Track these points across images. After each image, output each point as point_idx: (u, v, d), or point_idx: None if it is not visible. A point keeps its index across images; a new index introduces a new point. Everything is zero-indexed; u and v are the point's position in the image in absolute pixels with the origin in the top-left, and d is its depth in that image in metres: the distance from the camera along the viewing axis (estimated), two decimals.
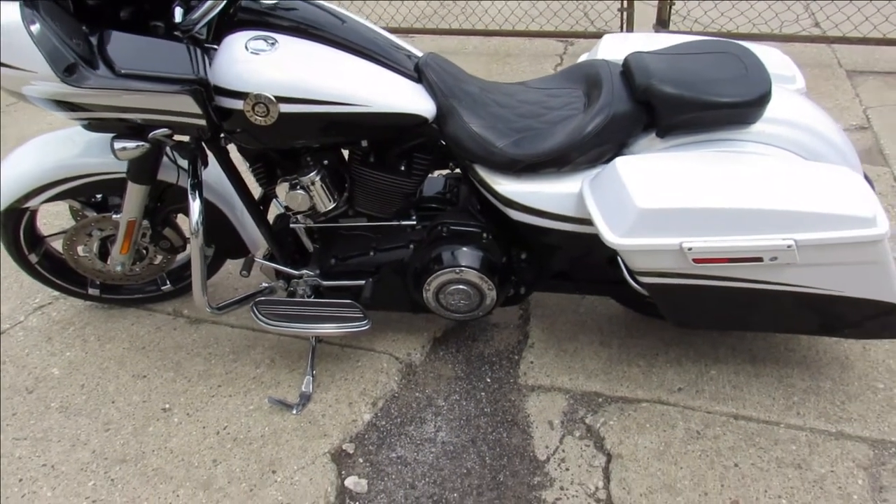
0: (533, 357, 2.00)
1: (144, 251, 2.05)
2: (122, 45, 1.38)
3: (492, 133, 1.64)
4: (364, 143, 1.71)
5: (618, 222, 1.48)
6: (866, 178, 1.76)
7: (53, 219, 2.63)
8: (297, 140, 1.63)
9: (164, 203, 1.95)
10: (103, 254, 2.02)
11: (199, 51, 1.45)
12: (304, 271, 1.89)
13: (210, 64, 1.50)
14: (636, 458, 1.68)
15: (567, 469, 1.67)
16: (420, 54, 1.73)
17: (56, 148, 1.82)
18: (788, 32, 3.74)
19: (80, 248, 2.01)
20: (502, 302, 1.93)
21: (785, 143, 1.62)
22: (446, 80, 1.67)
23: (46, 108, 1.47)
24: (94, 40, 1.38)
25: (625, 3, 4.03)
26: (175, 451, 1.76)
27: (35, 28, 1.29)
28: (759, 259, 1.46)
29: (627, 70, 1.62)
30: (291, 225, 1.87)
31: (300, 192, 1.70)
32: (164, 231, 2.00)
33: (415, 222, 1.84)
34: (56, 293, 2.27)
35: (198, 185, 1.64)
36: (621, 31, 4.11)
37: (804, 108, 1.66)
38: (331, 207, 1.75)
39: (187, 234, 2.09)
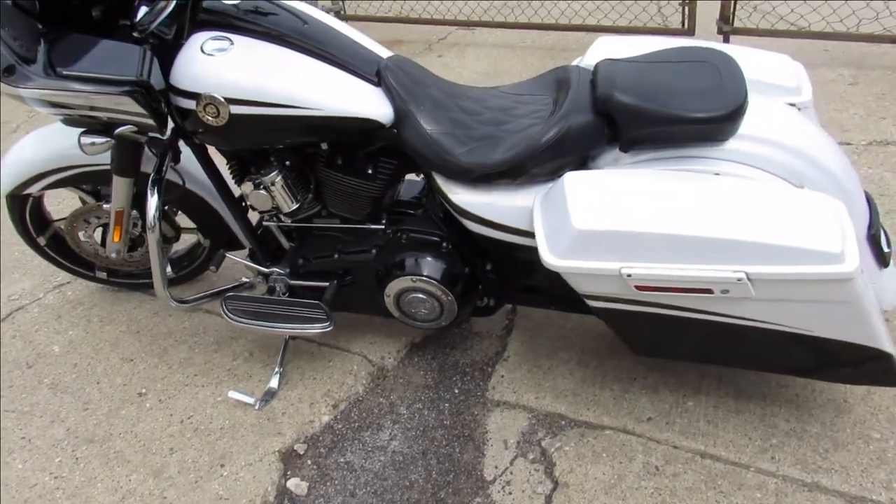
0: (505, 371, 1.93)
1: (142, 238, 2.12)
2: (70, 47, 1.43)
3: (449, 140, 1.58)
4: (324, 146, 1.70)
5: (556, 242, 1.40)
6: (870, 203, 1.59)
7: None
8: (250, 142, 1.64)
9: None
10: (104, 240, 2.12)
11: (147, 53, 1.48)
12: (274, 269, 1.91)
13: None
14: (583, 490, 1.59)
15: (510, 493, 1.61)
16: (385, 57, 1.69)
17: (53, 139, 1.91)
18: (866, 31, 3.42)
19: (80, 234, 2.12)
20: (471, 312, 1.88)
21: (763, 164, 1.47)
22: (406, 84, 1.62)
23: (24, 104, 1.54)
24: (44, 42, 1.43)
25: None
26: (139, 435, 1.83)
27: None
28: (709, 291, 1.34)
29: (594, 78, 1.52)
30: (264, 223, 1.89)
31: (262, 191, 1.71)
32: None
33: (383, 226, 1.81)
34: None
35: (158, 181, 1.68)
36: (682, 27, 3.89)
37: (790, 125, 1.51)
38: (294, 208, 1.75)
39: (183, 225, 2.17)
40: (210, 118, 1.54)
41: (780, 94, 1.65)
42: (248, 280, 2.02)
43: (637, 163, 1.52)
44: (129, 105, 1.47)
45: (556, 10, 4.34)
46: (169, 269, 2.30)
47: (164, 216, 2.09)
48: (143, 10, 1.54)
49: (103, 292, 2.37)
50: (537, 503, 1.58)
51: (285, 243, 1.94)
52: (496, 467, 1.68)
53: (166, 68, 1.55)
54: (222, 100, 1.52)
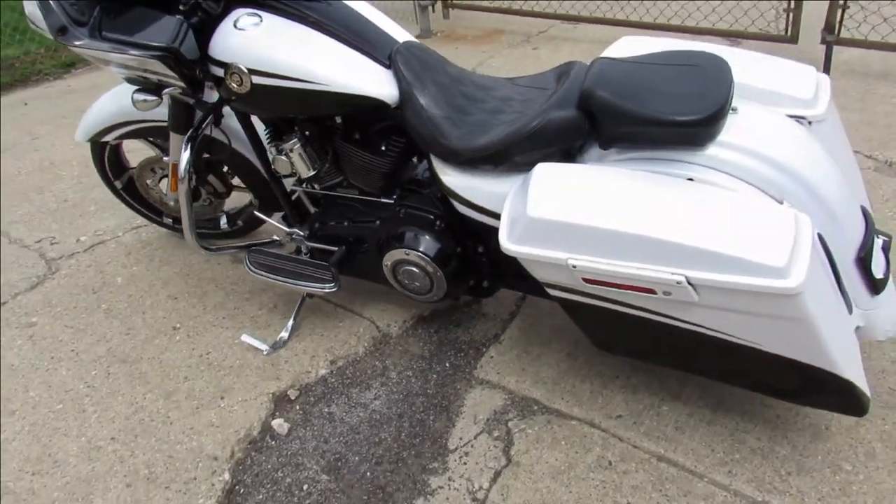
0: (496, 352, 2.01)
1: (198, 191, 2.37)
2: (119, 14, 1.66)
3: (445, 123, 1.68)
4: (339, 120, 1.84)
5: (514, 227, 1.47)
6: (867, 227, 1.53)
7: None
8: (270, 110, 1.81)
9: (210, 154, 2.25)
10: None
11: (183, 24, 1.68)
12: (295, 230, 2.08)
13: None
14: (531, 471, 1.65)
15: (465, 463, 1.70)
16: (401, 41, 1.80)
17: (123, 96, 2.17)
18: None
19: (148, 182, 2.40)
20: (467, 291, 1.97)
21: (741, 173, 1.46)
22: (414, 68, 1.73)
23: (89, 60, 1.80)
24: (99, 8, 1.66)
25: (791, 3, 3.64)
26: (163, 362, 2.07)
27: None
28: (652, 291, 1.36)
29: (587, 74, 1.56)
30: (292, 187, 2.07)
31: (283, 157, 1.88)
32: (208, 177, 2.30)
33: (392, 201, 1.93)
34: None
35: (193, 139, 1.89)
36: (785, 34, 3.71)
37: (780, 138, 1.48)
38: (310, 174, 1.90)
39: (234, 184, 2.39)
40: (235, 86, 1.73)
41: (790, 105, 1.62)
42: (278, 238, 2.21)
43: (619, 161, 1.55)
44: (161, 68, 1.68)
45: (655, 9, 4.27)
46: (224, 222, 2.55)
47: (217, 173, 2.32)
48: None
49: (169, 237, 2.65)
50: (486, 476, 1.65)
51: (311, 208, 2.11)
52: (461, 438, 1.77)
53: (208, 40, 1.75)
54: (245, 70, 1.69)
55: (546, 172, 1.49)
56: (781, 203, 1.45)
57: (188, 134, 1.90)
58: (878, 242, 1.62)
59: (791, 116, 1.61)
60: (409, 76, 1.72)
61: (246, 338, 2.10)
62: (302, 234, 2.08)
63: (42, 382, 2.03)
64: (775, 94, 1.63)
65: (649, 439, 1.70)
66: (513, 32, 4.81)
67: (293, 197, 2.13)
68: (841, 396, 1.45)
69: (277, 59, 1.68)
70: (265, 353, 2.06)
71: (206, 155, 2.24)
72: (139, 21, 1.66)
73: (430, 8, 4.94)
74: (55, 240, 2.74)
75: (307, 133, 1.87)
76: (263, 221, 2.39)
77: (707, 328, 1.41)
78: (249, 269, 2.06)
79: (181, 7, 1.72)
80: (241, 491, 1.67)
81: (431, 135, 1.67)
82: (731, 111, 1.50)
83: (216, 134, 2.08)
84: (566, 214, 1.38)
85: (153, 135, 2.24)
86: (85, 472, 1.73)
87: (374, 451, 1.76)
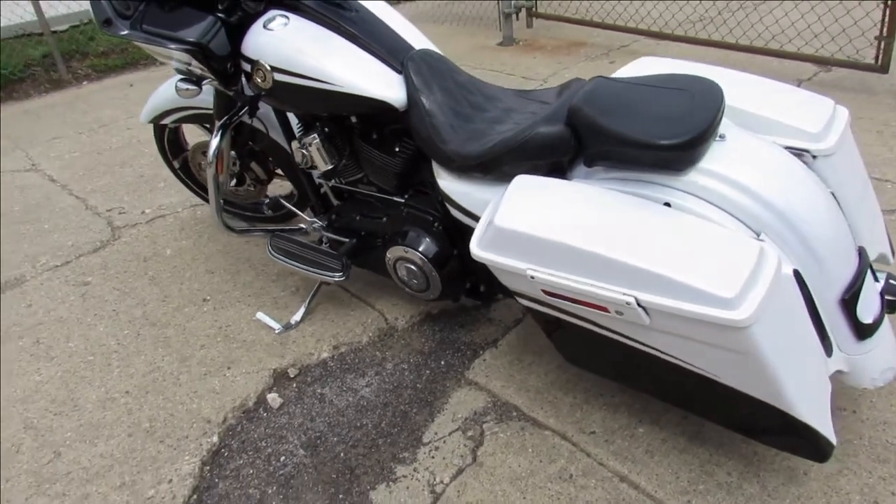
0: (489, 356, 2.05)
1: (243, 177, 2.55)
2: (161, 10, 1.83)
3: (445, 129, 1.74)
4: (354, 120, 1.94)
5: (484, 234, 1.51)
6: (860, 269, 1.47)
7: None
8: (290, 106, 1.93)
9: (253, 143, 2.41)
10: None
11: (216, 23, 1.83)
12: (315, 220, 2.21)
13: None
14: (492, 473, 1.69)
15: (433, 457, 1.76)
16: (417, 48, 1.88)
17: None
18: None
19: (199, 163, 2.59)
20: (465, 294, 2.02)
21: (720, 202, 1.44)
22: (423, 74, 1.80)
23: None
24: (145, 4, 1.84)
25: (883, 32, 3.44)
26: (187, 330, 2.25)
27: None
28: (606, 309, 1.38)
29: (579, 92, 1.59)
30: (316, 180, 2.19)
31: (303, 150, 2.01)
32: (251, 164, 2.47)
33: (403, 200, 2.02)
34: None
35: (224, 127, 2.04)
36: (875, 62, 3.52)
37: (767, 169, 1.45)
38: (327, 168, 2.02)
39: (276, 172, 2.55)
40: (259, 81, 1.86)
41: (794, 137, 1.57)
42: (303, 226, 2.35)
43: (604, 179, 1.56)
44: (192, 61, 1.83)
45: (739, 29, 4.14)
46: (268, 208, 2.71)
47: (259, 161, 2.48)
48: None
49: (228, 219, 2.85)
50: (449, 472, 1.71)
51: (333, 200, 2.23)
52: (436, 433, 1.83)
53: (242, 38, 1.89)
54: (268, 67, 1.83)
55: (523, 184, 1.53)
56: (759, 235, 1.42)
57: (221, 122, 2.05)
58: (877, 285, 1.55)
59: (793, 149, 1.57)
60: (418, 82, 1.79)
61: (261, 315, 2.24)
62: (321, 224, 2.20)
63: (81, 335, 2.25)
64: (780, 125, 1.59)
65: (616, 459, 1.69)
66: (594, 45, 4.79)
67: (322, 190, 2.25)
68: (799, 439, 1.40)
69: (297, 58, 1.80)
70: (276, 331, 2.20)
71: (250, 144, 2.40)
72: (177, 18, 1.83)
73: (513, 16, 4.99)
74: (124, 210, 3.01)
75: (326, 129, 1.98)
76: (302, 209, 2.53)
77: (663, 352, 1.41)
78: (270, 252, 2.20)
79: (220, 7, 1.87)
80: (226, 454, 1.81)
81: (431, 139, 1.74)
82: (718, 138, 1.49)
83: (256, 124, 2.24)
84: (529, 226, 1.42)
85: (204, 121, 2.43)
86: (96, 419, 1.92)
87: (353, 435, 1.84)
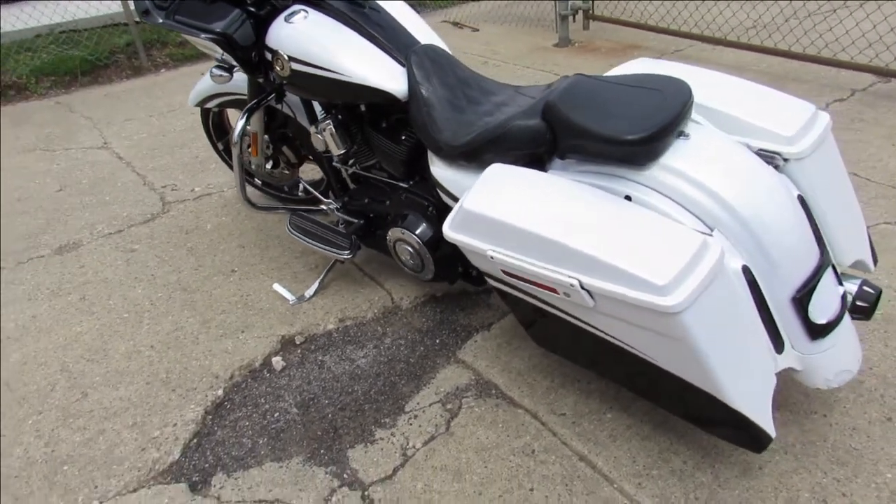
0: (480, 338, 2.17)
1: (277, 160, 2.74)
2: (195, 3, 2.02)
3: (439, 120, 1.87)
4: (363, 108, 2.09)
5: (454, 216, 1.63)
6: (818, 269, 1.51)
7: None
8: (305, 93, 2.10)
9: (285, 128, 2.60)
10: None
11: (242, 15, 2.02)
12: (330, 201, 2.37)
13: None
14: (461, 442, 1.81)
15: (411, 424, 1.89)
16: (422, 43, 2.01)
17: None
18: None
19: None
20: (460, 277, 2.14)
21: (678, 197, 1.51)
22: (425, 68, 1.93)
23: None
24: None
25: None
26: (212, 296, 2.46)
27: None
28: (555, 290, 1.47)
29: (557, 87, 1.69)
30: (333, 164, 2.35)
31: (318, 135, 2.17)
32: (283, 148, 2.66)
33: (407, 185, 2.15)
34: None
35: (250, 111, 2.23)
36: None
37: (726, 168, 1.50)
38: (340, 153, 2.18)
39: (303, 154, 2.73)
40: (279, 69, 2.04)
41: (766, 139, 1.63)
42: (324, 207, 2.52)
43: (577, 171, 1.65)
44: (219, 50, 2.03)
45: (792, 36, 4.07)
46: (300, 189, 2.90)
47: (290, 145, 2.67)
48: None
49: (259, 197, 3.07)
50: (422, 438, 1.83)
51: (350, 184, 2.39)
52: (417, 403, 1.96)
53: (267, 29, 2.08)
54: (286, 57, 2.00)
55: (495, 172, 1.64)
56: (712, 231, 1.48)
57: (247, 106, 2.25)
58: (838, 288, 1.58)
59: (765, 151, 1.62)
60: (419, 75, 1.92)
61: (277, 287, 2.43)
62: (336, 206, 2.36)
63: (121, 295, 2.50)
64: (753, 127, 1.64)
65: (580, 440, 1.78)
66: (648, 48, 4.78)
67: (342, 175, 2.41)
68: (735, 429, 1.46)
69: (311, 49, 1.96)
70: (290, 302, 2.38)
71: (282, 129, 2.60)
72: (207, 10, 2.02)
73: (570, 18, 5.04)
74: (176, 187, 3.27)
75: (339, 116, 2.14)
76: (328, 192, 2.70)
77: (608, 335, 1.49)
78: (288, 229, 2.38)
79: (249, 1, 2.06)
80: (227, 406, 1.99)
81: (426, 128, 1.87)
82: (683, 137, 1.55)
83: (286, 111, 2.42)
84: (492, 210, 1.53)
85: (241, 105, 2.63)
86: (122, 367, 2.15)
87: (343, 399, 2.00)
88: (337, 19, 2.00)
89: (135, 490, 1.73)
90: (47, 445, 1.88)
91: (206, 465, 1.81)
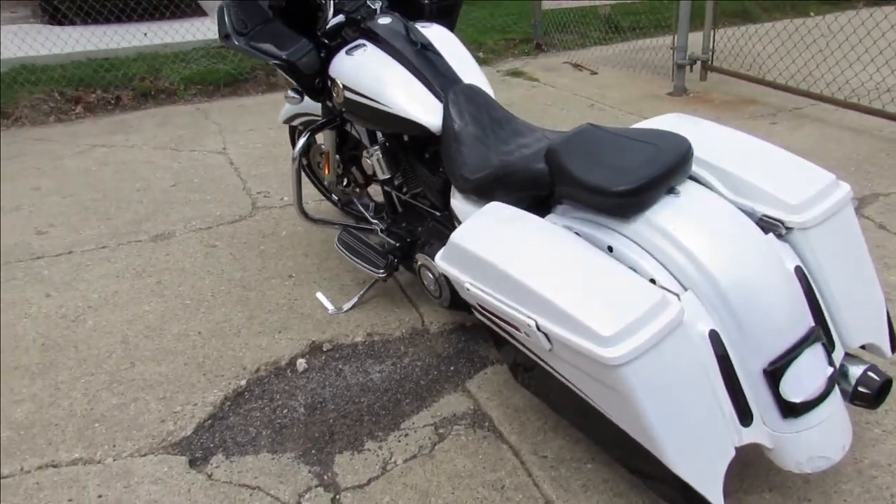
0: (490, 371, 2.22)
1: (347, 180, 2.95)
2: (270, 31, 2.26)
3: (463, 155, 1.97)
4: (406, 138, 2.23)
5: (445, 247, 1.71)
6: (799, 344, 1.45)
7: None
8: (357, 120, 2.26)
9: (355, 150, 2.80)
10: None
11: (308, 45, 2.22)
12: (377, 222, 2.52)
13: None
14: (437, 465, 1.86)
15: (399, 441, 1.97)
16: (464, 82, 2.12)
17: None
18: None
19: (318, 162, 3.04)
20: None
21: (656, 253, 1.52)
22: (459, 105, 2.04)
23: None
24: (260, 24, 2.28)
25: None
26: (265, 295, 2.68)
27: (224, 8, 2.26)
28: (518, 329, 1.52)
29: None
30: (383, 188, 2.51)
31: (367, 159, 2.34)
32: (352, 168, 2.86)
33: (440, 214, 2.26)
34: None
35: (312, 130, 2.44)
36: None
37: (706, 228, 1.49)
38: (384, 177, 2.33)
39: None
40: (335, 96, 2.23)
41: (770, 205, 1.60)
42: (373, 227, 2.67)
43: (571, 218, 1.69)
44: (284, 74, 2.24)
45: None
46: (370, 208, 3.09)
47: (358, 166, 2.86)
48: (332, 20, 2.29)
49: (335, 211, 3.29)
50: (403, 456, 1.91)
51: (399, 207, 2.53)
52: (412, 423, 2.04)
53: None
54: (341, 85, 2.18)
55: (491, 210, 1.71)
56: (685, 290, 1.47)
57: (309, 127, 2.45)
58: (826, 368, 1.49)
59: (770, 218, 1.58)
60: (453, 111, 2.03)
61: (320, 295, 2.60)
62: (381, 227, 2.51)
63: (190, 284, 2.78)
64: (760, 192, 1.61)
65: (552, 484, 1.78)
66: (764, 104, 4.61)
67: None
68: (679, 493, 1.42)
69: (361, 80, 2.13)
70: (329, 311, 2.54)
71: (353, 151, 2.79)
72: (280, 39, 2.25)
73: (687, 68, 4.96)
74: (268, 195, 3.57)
75: (387, 144, 2.29)
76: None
77: (566, 379, 1.51)
78: (336, 244, 2.56)
79: (319, 33, 2.27)
80: (246, 396, 2.17)
81: (450, 161, 1.98)
82: (673, 193, 1.55)
83: (355, 133, 2.61)
84: (472, 244, 1.60)
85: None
86: (170, 346, 2.40)
87: (347, 407, 2.12)
88: (390, 55, 2.16)
89: (144, 455, 1.94)
90: (89, 403, 2.14)
91: (211, 445, 1.98)
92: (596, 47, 6.40)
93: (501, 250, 1.55)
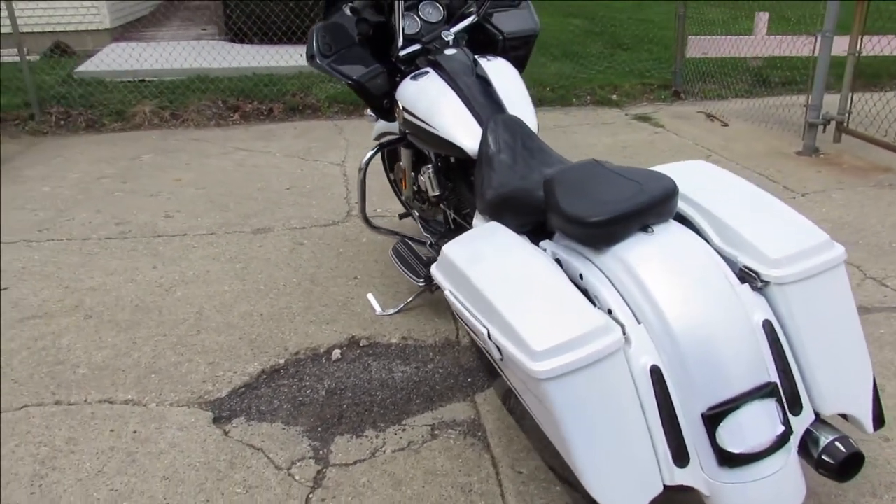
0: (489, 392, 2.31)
1: (422, 196, 3.16)
2: (350, 54, 2.53)
3: (488, 179, 2.11)
4: (452, 160, 2.41)
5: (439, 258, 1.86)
6: (732, 400, 1.46)
7: None
8: (414, 139, 2.47)
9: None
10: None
11: (379, 69, 2.47)
12: (429, 236, 2.71)
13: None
14: (418, 460, 2.00)
15: (395, 434, 2.12)
16: (509, 112, 2.26)
17: None
18: None
19: (400, 178, 3.30)
20: None
21: (618, 285, 1.57)
22: (496, 133, 2.18)
23: None
24: (343, 47, 2.56)
25: None
26: (327, 292, 2.94)
27: (315, 31, 2.56)
28: (478, 336, 1.63)
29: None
30: (440, 206, 2.70)
31: (421, 176, 2.54)
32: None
33: None
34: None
35: (382, 146, 2.68)
36: None
37: (668, 269, 1.52)
38: (434, 195, 2.52)
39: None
40: (398, 116, 2.46)
41: (751, 256, 1.60)
42: (426, 238, 2.86)
43: (560, 244, 1.78)
44: (357, 94, 2.51)
45: None
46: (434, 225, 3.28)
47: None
48: (405, 51, 2.53)
49: (413, 225, 3.51)
50: (393, 447, 2.06)
51: (451, 225, 2.70)
52: (414, 421, 2.18)
53: None
54: (401, 107, 2.41)
55: (485, 229, 1.84)
56: (639, 324, 1.52)
57: (383, 142, 2.70)
58: (775, 427, 1.46)
59: (747, 268, 1.59)
60: (490, 137, 2.18)
61: (370, 297, 2.82)
62: (431, 240, 2.69)
63: (269, 274, 3.12)
64: (744, 242, 1.61)
65: (517, 499, 1.86)
66: None
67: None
68: None
69: (417, 103, 2.35)
70: (375, 312, 2.76)
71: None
72: (356, 62, 2.52)
73: (820, 128, 4.72)
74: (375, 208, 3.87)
75: (439, 164, 2.49)
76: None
77: (517, 392, 1.60)
78: (390, 252, 2.77)
79: (393, 59, 2.52)
80: (281, 373, 2.43)
81: (478, 182, 2.12)
82: (647, 230, 1.60)
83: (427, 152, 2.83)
84: (456, 256, 1.74)
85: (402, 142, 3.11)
86: (233, 322, 2.72)
87: (362, 398, 2.31)
88: (447, 83, 2.36)
89: (181, 406, 2.24)
90: (153, 358, 2.50)
91: (237, 409, 2.25)
92: (737, 99, 6.22)
93: (477, 264, 1.68)
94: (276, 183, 4.29)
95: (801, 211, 1.71)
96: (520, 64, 2.64)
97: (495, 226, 1.84)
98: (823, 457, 1.50)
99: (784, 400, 1.50)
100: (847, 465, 1.49)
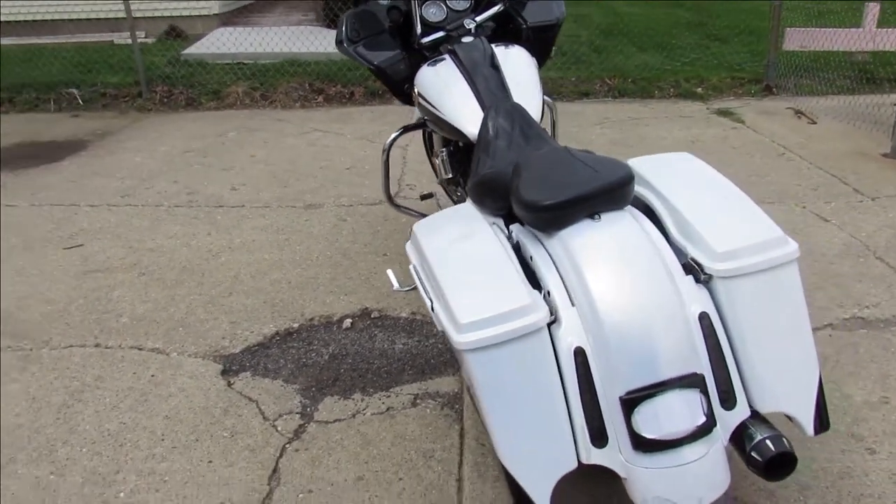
0: None
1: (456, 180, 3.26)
2: (375, 40, 2.66)
3: (480, 163, 2.18)
4: (461, 144, 2.49)
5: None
6: (651, 386, 1.48)
7: None
8: (429, 123, 2.57)
9: None
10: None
11: (401, 54, 2.58)
12: None
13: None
14: (392, 425, 2.12)
15: (380, 399, 2.26)
16: (514, 101, 2.31)
17: None
18: None
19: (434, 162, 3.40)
20: None
21: (560, 268, 1.62)
22: (495, 119, 2.24)
23: None
24: (371, 33, 2.69)
25: None
26: (355, 266, 3.11)
27: (346, 17, 2.70)
28: (433, 308, 1.72)
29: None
30: (459, 193, 2.78)
31: (436, 158, 2.64)
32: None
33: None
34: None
35: (404, 128, 2.79)
36: None
37: (605, 260, 1.55)
38: (447, 178, 2.61)
39: None
40: (414, 100, 2.57)
41: (700, 249, 1.60)
42: None
43: (524, 227, 1.84)
44: (378, 78, 2.63)
45: None
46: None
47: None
48: (427, 38, 2.62)
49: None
50: (372, 411, 2.19)
51: None
52: (400, 389, 2.30)
53: None
54: (416, 92, 2.52)
55: (456, 209, 1.93)
56: (573, 306, 1.56)
57: (405, 125, 2.82)
58: (697, 415, 1.46)
59: (694, 260, 1.59)
60: (489, 123, 2.24)
61: (390, 272, 2.94)
62: None
63: (306, 246, 3.32)
64: (694, 233, 1.62)
65: (472, 468, 1.94)
66: None
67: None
68: (513, 486, 1.51)
69: (429, 89, 2.45)
70: (393, 288, 2.88)
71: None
72: (379, 48, 2.64)
73: None
74: (413, 187, 4.03)
75: (451, 148, 2.57)
76: None
77: (460, 365, 1.68)
78: (410, 231, 2.88)
79: (416, 46, 2.63)
80: (293, 336, 2.62)
81: (473, 166, 2.20)
82: (595, 217, 1.64)
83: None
84: (421, 234, 1.83)
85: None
86: (263, 287, 2.94)
87: (360, 364, 2.45)
88: (459, 70, 2.44)
89: (196, 357, 2.48)
90: (185, 314, 2.75)
91: (246, 364, 2.45)
92: (834, 97, 5.85)
93: (436, 241, 1.77)
94: (338, 162, 4.51)
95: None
96: (544, 53, 2.67)
97: (464, 206, 1.92)
98: (752, 453, 1.49)
99: (715, 392, 1.50)
100: (775, 464, 1.47)
